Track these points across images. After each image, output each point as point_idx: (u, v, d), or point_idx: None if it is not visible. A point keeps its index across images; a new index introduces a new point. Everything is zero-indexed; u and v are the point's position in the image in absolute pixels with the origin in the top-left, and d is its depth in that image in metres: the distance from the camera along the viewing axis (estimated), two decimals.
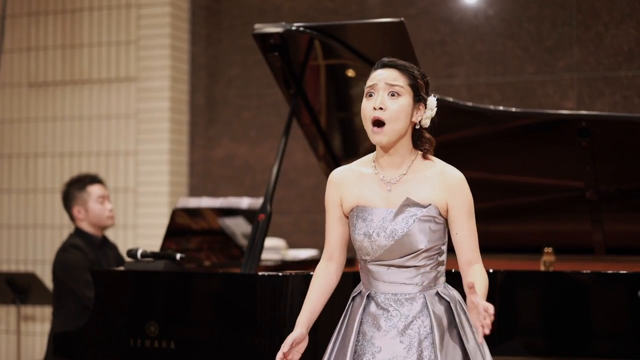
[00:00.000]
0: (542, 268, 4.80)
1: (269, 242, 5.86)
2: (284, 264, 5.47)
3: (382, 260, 3.17)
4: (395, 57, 3.25)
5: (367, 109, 3.16)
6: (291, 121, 4.61)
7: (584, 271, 4.32)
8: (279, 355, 3.16)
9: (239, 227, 5.45)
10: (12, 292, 6.45)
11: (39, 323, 7.47)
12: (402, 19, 4.23)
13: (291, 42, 4.58)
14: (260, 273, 4.10)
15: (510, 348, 4.19)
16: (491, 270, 4.17)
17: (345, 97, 5.16)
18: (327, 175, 5.40)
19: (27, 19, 7.74)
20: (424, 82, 3.23)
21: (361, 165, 3.31)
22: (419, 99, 3.19)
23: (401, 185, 3.18)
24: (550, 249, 4.85)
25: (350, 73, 4.74)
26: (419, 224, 3.12)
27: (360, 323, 3.21)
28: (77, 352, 4.31)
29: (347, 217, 3.29)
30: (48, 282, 6.41)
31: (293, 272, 4.15)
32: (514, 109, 4.72)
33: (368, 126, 3.17)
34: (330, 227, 3.35)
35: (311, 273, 4.04)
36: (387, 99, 3.13)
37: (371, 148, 3.32)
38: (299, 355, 3.24)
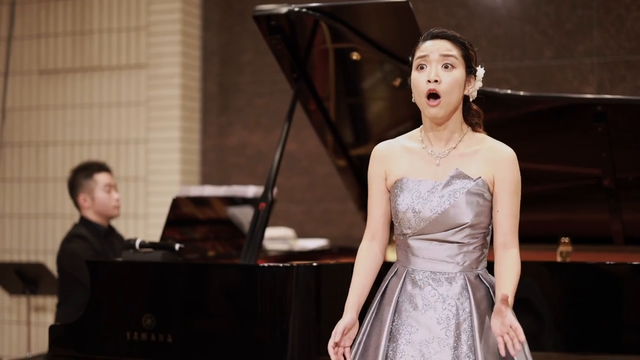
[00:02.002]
0: (559, 259, 4.68)
1: (277, 231, 5.76)
2: (291, 254, 5.36)
3: (424, 234, 3.07)
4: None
5: (420, 82, 3.08)
6: (294, 106, 4.51)
7: (607, 262, 4.18)
8: (331, 343, 3.07)
9: (247, 217, 5.34)
10: (22, 283, 6.40)
11: (50, 313, 7.41)
12: None
13: (298, 24, 4.47)
14: (260, 264, 3.98)
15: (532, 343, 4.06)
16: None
17: (355, 83, 5.04)
18: (334, 162, 5.36)
19: (37, 5, 7.69)
20: (474, 53, 3.16)
21: (407, 140, 3.23)
22: (470, 70, 3.13)
23: (451, 160, 3.11)
24: (567, 239, 4.73)
25: (356, 56, 4.60)
26: (467, 196, 3.04)
27: (397, 303, 3.11)
28: (73, 345, 4.23)
29: (389, 192, 3.20)
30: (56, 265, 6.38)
31: (295, 262, 4.05)
32: (522, 93, 4.58)
33: (421, 99, 3.08)
34: (373, 203, 3.24)
35: (314, 264, 3.99)
36: (441, 71, 3.06)
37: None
38: (350, 342, 3.12)
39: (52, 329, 4.29)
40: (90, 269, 4.24)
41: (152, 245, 4.25)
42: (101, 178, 5.35)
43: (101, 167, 5.43)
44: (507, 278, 2.98)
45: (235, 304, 3.94)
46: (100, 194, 5.31)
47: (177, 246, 4.19)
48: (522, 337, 2.78)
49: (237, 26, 7.38)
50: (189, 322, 4.00)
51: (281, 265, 3.93)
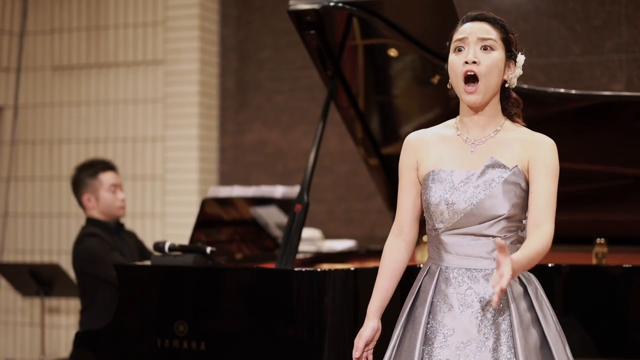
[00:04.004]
0: (595, 260, 4.57)
1: (305, 232, 5.64)
2: (321, 256, 5.26)
3: (458, 228, 2.94)
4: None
5: (457, 64, 2.97)
6: (329, 104, 4.42)
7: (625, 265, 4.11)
8: (354, 356, 3.09)
9: (272, 217, 5.24)
10: (36, 284, 6.30)
11: (64, 315, 7.35)
12: None
13: (327, 19, 4.37)
14: (297, 269, 3.87)
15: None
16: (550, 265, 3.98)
17: (385, 79, 4.96)
18: (365, 161, 5.28)
19: None
20: (514, 37, 3.05)
21: (442, 128, 3.12)
22: (510, 55, 3.02)
23: (486, 147, 2.98)
24: (602, 240, 4.61)
25: (392, 52, 4.55)
26: (504, 186, 2.90)
27: (431, 303, 2.98)
28: (100, 353, 4.15)
29: (421, 185, 3.07)
30: (72, 272, 6.26)
31: (332, 266, 3.98)
32: (568, 91, 4.47)
33: (459, 83, 2.97)
34: (402, 195, 3.12)
35: (351, 268, 3.90)
36: (479, 52, 2.94)
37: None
38: (373, 344, 3.12)
39: (77, 335, 4.20)
40: (119, 273, 4.14)
41: (182, 248, 4.14)
42: (106, 178, 5.21)
43: (107, 166, 5.29)
44: (526, 244, 2.80)
45: (272, 309, 3.84)
46: (105, 194, 5.18)
47: (208, 249, 4.08)
48: (504, 279, 2.54)
49: (255, 22, 7.29)
50: (223, 328, 3.91)
51: (319, 270, 3.84)
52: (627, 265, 4.09)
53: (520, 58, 3.06)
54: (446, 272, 2.98)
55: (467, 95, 2.94)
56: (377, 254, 5.49)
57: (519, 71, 3.05)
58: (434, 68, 4.43)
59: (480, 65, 2.92)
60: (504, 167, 2.92)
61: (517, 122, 3.07)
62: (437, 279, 2.99)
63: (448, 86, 3.04)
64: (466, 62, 2.93)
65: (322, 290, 3.76)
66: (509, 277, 2.56)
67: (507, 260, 2.58)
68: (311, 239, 5.61)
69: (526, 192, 2.94)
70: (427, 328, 2.96)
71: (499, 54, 2.95)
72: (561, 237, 4.96)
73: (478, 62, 2.92)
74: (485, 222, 2.91)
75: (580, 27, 6.38)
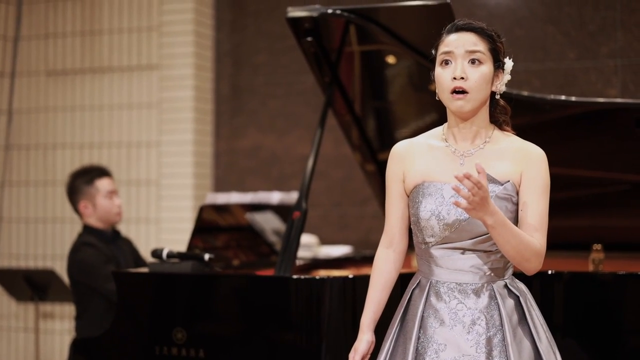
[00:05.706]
0: (591, 266, 4.55)
1: (301, 238, 5.65)
2: (317, 262, 5.26)
3: (448, 242, 2.90)
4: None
5: (445, 79, 2.90)
6: (327, 111, 4.40)
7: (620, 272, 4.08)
8: None
9: (269, 223, 5.22)
10: (30, 289, 6.27)
11: (58, 321, 7.32)
12: (449, 0, 3.95)
13: (325, 26, 4.36)
14: (295, 276, 3.86)
15: None
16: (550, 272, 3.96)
17: (382, 86, 4.95)
18: (362, 167, 5.26)
19: (44, 4, 7.57)
20: (502, 45, 2.96)
21: (429, 138, 3.04)
22: (498, 64, 2.93)
23: (475, 160, 2.89)
24: (599, 246, 4.60)
25: (389, 59, 4.54)
26: (496, 202, 2.83)
27: (422, 318, 2.93)
28: None
29: (408, 196, 3.02)
30: (67, 278, 6.23)
31: (329, 273, 3.95)
32: (568, 98, 4.46)
33: (445, 94, 2.90)
34: (391, 206, 3.06)
35: (350, 276, 3.88)
36: (467, 67, 2.87)
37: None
38: (368, 357, 3.06)
39: (74, 343, 4.19)
40: (117, 280, 4.14)
41: (180, 255, 4.13)
42: (103, 185, 5.20)
43: (102, 172, 5.27)
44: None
45: (270, 316, 3.83)
46: (102, 201, 5.17)
47: (206, 256, 4.07)
48: (473, 178, 2.61)
49: (250, 26, 7.28)
50: (222, 335, 3.90)
51: (317, 277, 3.83)
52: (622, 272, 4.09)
53: (509, 64, 2.98)
54: (436, 286, 2.94)
55: (454, 101, 2.87)
56: (372, 260, 5.51)
57: (507, 77, 2.98)
58: (431, 75, 4.43)
59: (469, 81, 2.86)
60: (496, 181, 2.88)
61: (506, 130, 3.02)
62: (428, 293, 2.95)
63: (436, 97, 2.97)
64: (454, 78, 2.86)
65: (320, 298, 3.75)
66: (483, 182, 2.61)
67: (481, 170, 2.64)
68: (307, 245, 5.60)
69: (517, 205, 2.91)
70: (418, 343, 2.92)
71: (487, 67, 2.89)
72: (558, 243, 5.02)
73: (466, 77, 2.86)
74: (477, 237, 2.87)
75: (575, 33, 6.38)
